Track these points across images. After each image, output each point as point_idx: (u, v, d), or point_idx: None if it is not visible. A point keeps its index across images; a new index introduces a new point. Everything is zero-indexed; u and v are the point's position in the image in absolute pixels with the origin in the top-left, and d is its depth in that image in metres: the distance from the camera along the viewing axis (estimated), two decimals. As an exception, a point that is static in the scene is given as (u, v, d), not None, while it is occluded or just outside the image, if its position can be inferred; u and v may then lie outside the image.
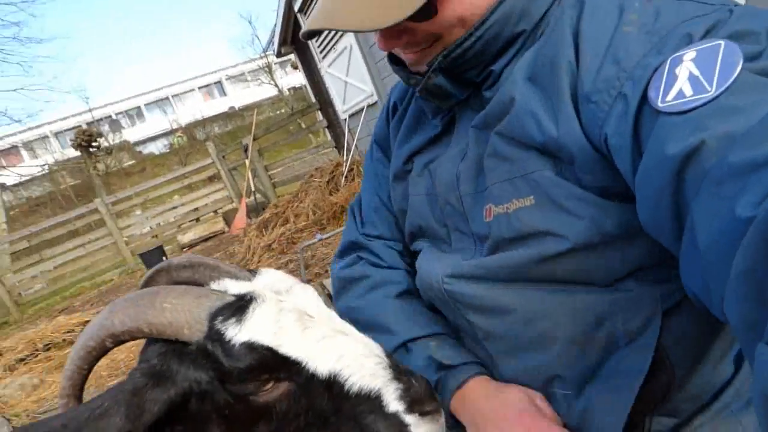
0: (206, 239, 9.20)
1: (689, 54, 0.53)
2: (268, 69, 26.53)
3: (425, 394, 0.64)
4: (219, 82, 34.02)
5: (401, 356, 0.86)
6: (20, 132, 27.01)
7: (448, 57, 0.72)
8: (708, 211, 0.45)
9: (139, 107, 32.71)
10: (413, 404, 0.63)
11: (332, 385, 0.62)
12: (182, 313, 0.60)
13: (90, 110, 29.62)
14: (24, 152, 29.06)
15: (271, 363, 0.60)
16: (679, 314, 0.69)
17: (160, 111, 32.76)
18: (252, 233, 6.24)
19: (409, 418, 0.63)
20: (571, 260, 0.67)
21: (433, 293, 0.84)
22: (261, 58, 26.99)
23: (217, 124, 27.79)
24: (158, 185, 9.79)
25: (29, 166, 23.09)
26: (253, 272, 0.70)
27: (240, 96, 32.13)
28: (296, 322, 0.63)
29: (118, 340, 0.60)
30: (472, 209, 0.77)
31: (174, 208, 10.18)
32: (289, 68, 26.38)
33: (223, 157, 9.72)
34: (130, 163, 26.05)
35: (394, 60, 0.83)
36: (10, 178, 19.47)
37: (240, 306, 0.62)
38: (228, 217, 9.14)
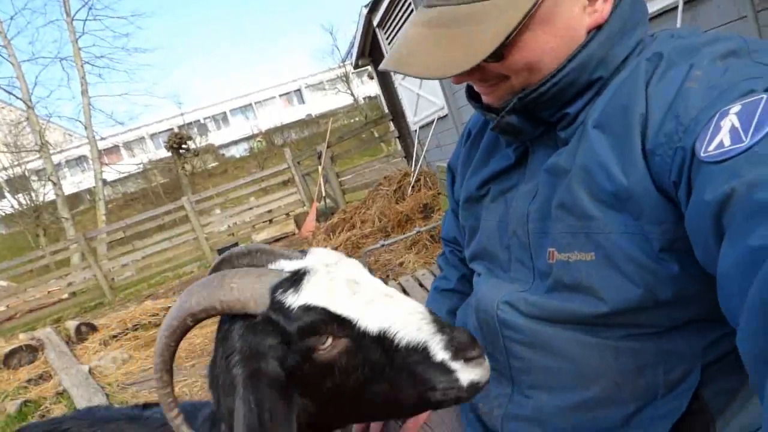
0: (277, 239, 9.64)
1: (735, 107, 0.56)
2: (346, 78, 27.30)
3: (468, 342, 0.68)
4: (298, 90, 35.38)
5: None
6: (122, 133, 29.80)
7: (524, 100, 0.74)
8: (729, 243, 0.49)
9: (224, 112, 34.74)
10: (458, 352, 0.68)
11: (383, 340, 0.68)
12: (247, 290, 0.68)
13: (182, 114, 32.07)
14: (123, 151, 32.02)
15: (326, 320, 0.67)
16: (721, 367, 0.71)
17: (243, 116, 34.65)
18: (320, 236, 6.50)
19: (455, 365, 0.68)
20: (622, 316, 0.70)
21: (485, 316, 0.87)
22: (339, 67, 27.85)
23: (294, 131, 28.94)
24: (237, 187, 10.35)
25: (127, 164, 25.38)
26: (304, 252, 0.78)
27: (317, 104, 33.22)
28: (345, 287, 0.69)
29: (197, 318, 0.68)
30: (538, 247, 0.79)
31: (250, 208, 10.71)
32: (365, 78, 27.01)
33: (298, 162, 10.12)
34: (214, 164, 27.79)
35: (472, 95, 0.86)
36: (110, 174, 21.56)
37: (295, 279, 0.69)
38: (298, 220, 9.52)
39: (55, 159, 19.34)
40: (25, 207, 19.76)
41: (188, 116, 32.85)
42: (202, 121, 33.82)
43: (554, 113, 0.77)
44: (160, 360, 0.70)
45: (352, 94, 28.98)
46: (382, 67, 0.74)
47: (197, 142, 26.67)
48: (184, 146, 21.55)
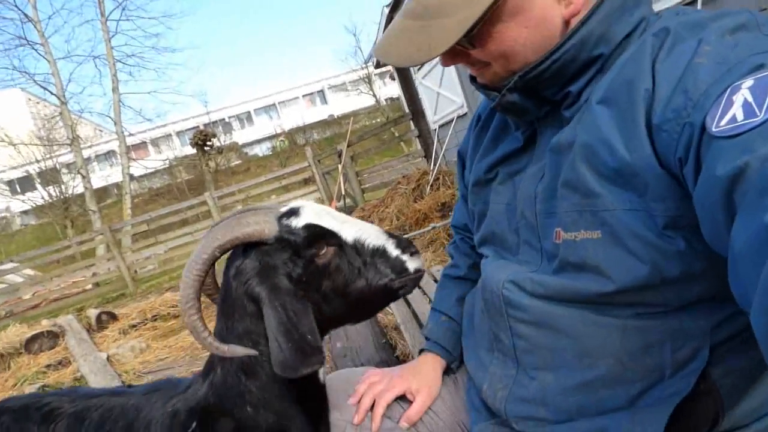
0: (297, 237, 9.68)
1: (747, 82, 0.55)
2: (368, 79, 27.38)
3: (408, 243, 0.95)
4: (321, 91, 35.63)
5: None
6: (149, 129, 30.47)
7: (524, 78, 0.75)
8: (743, 220, 0.48)
9: (249, 112, 35.23)
10: (404, 249, 0.93)
11: (357, 245, 0.91)
12: (260, 222, 0.86)
13: (207, 113, 32.63)
14: (151, 147, 32.75)
15: (321, 233, 0.88)
16: (730, 347, 0.70)
17: (267, 116, 35.08)
18: (338, 233, 6.50)
19: (404, 257, 0.93)
20: (628, 294, 0.70)
21: (490, 296, 0.88)
22: (362, 69, 27.96)
23: (317, 131, 29.12)
24: (258, 184, 10.45)
25: (154, 160, 25.93)
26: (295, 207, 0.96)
27: (340, 104, 33.43)
28: (329, 215, 0.92)
29: (223, 249, 0.83)
30: (545, 227, 0.79)
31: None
32: (387, 79, 27.05)
33: (319, 161, 10.18)
34: (237, 162, 28.17)
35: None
36: (137, 170, 22.07)
37: (294, 211, 0.90)
38: (318, 218, 9.54)
39: (85, 153, 19.89)
40: (54, 199, 20.36)
41: (214, 115, 33.42)
42: (227, 120, 34.32)
43: (557, 92, 0.77)
44: (191, 290, 0.80)
45: (374, 95, 29.03)
46: (372, 54, 0.81)
47: (221, 140, 27.10)
48: (208, 143, 21.90)
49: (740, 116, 0.53)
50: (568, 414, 0.77)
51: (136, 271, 10.01)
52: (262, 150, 32.44)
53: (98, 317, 5.33)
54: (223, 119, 34.24)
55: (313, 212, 0.92)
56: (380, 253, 0.92)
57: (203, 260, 0.80)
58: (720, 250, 0.57)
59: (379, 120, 25.18)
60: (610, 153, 0.67)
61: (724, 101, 0.56)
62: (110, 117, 17.58)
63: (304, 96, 35.74)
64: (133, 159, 20.45)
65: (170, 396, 0.93)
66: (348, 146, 8.64)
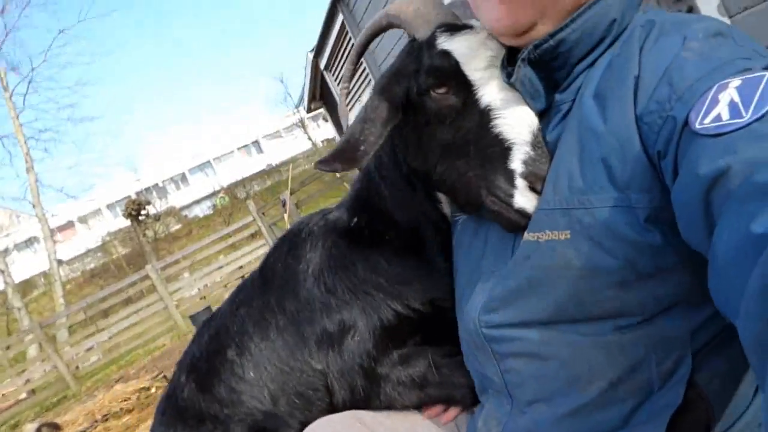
0: (252, 297, 9.22)
1: (735, 82, 0.55)
2: (302, 124, 27.52)
3: (545, 175, 0.71)
4: (256, 141, 35.58)
5: None
6: (75, 207, 28.78)
7: (539, 48, 0.72)
8: (728, 227, 0.47)
9: (183, 173, 34.45)
10: (530, 174, 0.71)
11: (483, 115, 0.74)
12: (422, 16, 0.81)
13: (138, 180, 31.38)
14: (78, 226, 30.84)
15: (451, 73, 0.77)
16: (712, 352, 0.71)
17: (203, 174, 34.37)
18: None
19: (519, 182, 0.71)
20: (605, 294, 0.69)
21: (469, 336, 0.85)
22: (294, 114, 28.08)
23: (257, 182, 28.78)
24: (203, 247, 10.07)
25: (83, 240, 24.36)
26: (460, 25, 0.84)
27: (277, 152, 33.45)
28: (488, 58, 0.75)
29: (389, 18, 0.85)
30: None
31: (220, 267, 10.37)
32: (321, 121, 27.24)
33: (263, 213, 9.95)
34: (177, 227, 27.10)
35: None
36: (65, 252, 20.57)
37: (458, 27, 0.79)
38: (272, 273, 9.18)
39: (2, 244, 18.32)
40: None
41: (145, 181, 32.44)
42: (160, 185, 33.39)
43: (568, 74, 0.75)
44: (355, 52, 0.91)
45: (310, 139, 29.14)
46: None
47: (157, 206, 26.05)
48: (143, 212, 20.89)
49: (725, 115, 0.53)
50: None
51: (77, 368, 9.17)
52: (202, 210, 31.50)
53: (38, 431, 4.68)
54: (156, 184, 33.26)
55: (476, 43, 0.76)
56: (502, 148, 0.72)
57: (374, 25, 0.87)
58: (696, 246, 0.58)
59: (318, 162, 25.13)
60: (597, 142, 0.67)
61: (709, 98, 0.56)
62: (28, 200, 16.34)
63: (238, 149, 35.52)
64: (59, 241, 19.05)
65: (327, 212, 1.15)
66: (291, 194, 8.48)
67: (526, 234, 0.73)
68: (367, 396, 1.02)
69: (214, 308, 0.80)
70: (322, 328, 1.03)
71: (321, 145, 28.77)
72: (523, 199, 0.71)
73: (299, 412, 1.07)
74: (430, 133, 0.80)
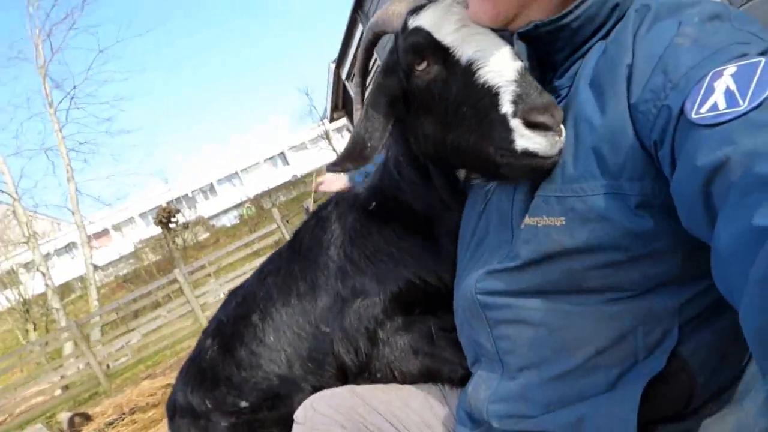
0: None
1: (730, 69, 0.54)
2: (326, 135, 27.88)
3: (540, 105, 0.64)
4: (282, 153, 36.02)
5: None
6: (110, 215, 29.78)
7: (539, 28, 0.71)
8: (730, 218, 0.47)
9: (211, 183, 35.10)
10: (522, 111, 0.65)
11: (467, 72, 0.71)
12: (395, 12, 0.85)
13: (169, 190, 32.28)
14: (113, 233, 31.89)
15: (425, 44, 0.77)
16: (699, 325, 0.71)
17: (230, 184, 35.00)
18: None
19: (515, 123, 0.65)
20: (597, 273, 0.70)
21: (465, 303, 0.86)
22: (319, 126, 28.49)
23: (282, 193, 29.14)
24: (228, 253, 10.26)
25: (118, 246, 25.13)
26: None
27: (302, 163, 33.71)
28: (456, 21, 0.75)
29: (373, 31, 0.91)
30: (518, 214, 0.78)
31: (244, 273, 10.56)
32: (345, 132, 27.56)
33: (287, 221, 10.11)
34: (205, 236, 27.69)
35: None
36: (101, 258, 21.32)
37: (423, 5, 0.80)
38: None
39: (44, 249, 19.14)
40: (14, 303, 19.32)
41: (176, 191, 33.13)
42: (190, 195, 34.05)
43: (568, 56, 0.74)
44: (358, 65, 0.98)
45: (334, 150, 29.43)
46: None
47: (186, 215, 26.68)
48: (173, 220, 21.49)
49: (722, 104, 0.52)
50: (548, 406, 0.77)
51: (108, 366, 9.44)
52: (229, 219, 32.07)
53: (70, 421, 5.02)
54: (186, 194, 33.94)
55: (440, 13, 0.75)
56: (490, 96, 0.67)
57: (365, 42, 0.94)
58: (698, 235, 0.57)
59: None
60: (590, 131, 0.67)
61: (704, 86, 0.55)
62: (68, 208, 17.10)
63: (265, 160, 35.96)
64: (95, 247, 19.78)
65: (356, 191, 1.20)
66: (314, 201, 8.61)
67: (527, 217, 0.73)
68: (368, 358, 1.06)
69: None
70: (336, 292, 1.09)
71: (345, 156, 28.91)
72: (522, 139, 0.66)
73: (312, 377, 1.11)
74: (430, 112, 0.79)
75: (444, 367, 1.02)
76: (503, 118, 0.67)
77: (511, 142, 0.67)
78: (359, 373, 1.08)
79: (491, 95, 0.68)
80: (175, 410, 1.26)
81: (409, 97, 0.83)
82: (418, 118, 0.83)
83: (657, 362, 0.70)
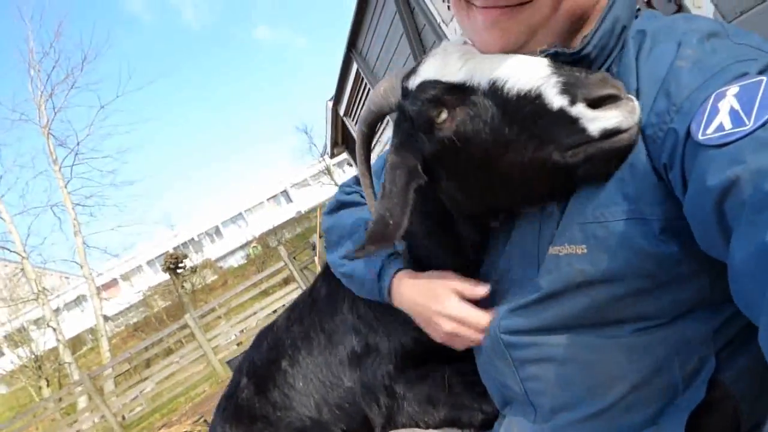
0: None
1: (732, 89, 0.55)
2: (328, 171, 28.18)
3: (595, 81, 0.58)
4: (285, 191, 36.35)
5: None
6: (118, 265, 29.88)
7: (558, 55, 0.67)
8: (743, 236, 0.48)
9: (216, 226, 35.31)
10: (579, 96, 0.58)
11: (494, 93, 0.64)
12: (388, 88, 0.79)
13: (175, 236, 32.46)
14: (121, 283, 31.93)
15: (439, 93, 0.69)
16: (736, 350, 0.69)
17: (236, 226, 35.21)
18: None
19: (578, 109, 0.58)
20: (622, 303, 0.68)
21: (490, 344, 0.83)
22: (319, 162, 28.84)
23: (287, 230, 29.24)
24: (237, 294, 10.25)
25: (126, 295, 25.08)
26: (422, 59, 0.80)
27: (305, 200, 33.94)
28: (459, 58, 0.70)
29: (367, 122, 0.85)
30: (544, 247, 0.75)
31: (254, 313, 10.54)
32: (346, 167, 27.90)
33: (294, 258, 10.14)
34: (214, 278, 27.69)
35: None
36: (111, 308, 21.28)
37: (418, 64, 0.75)
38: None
39: (54, 304, 19.16)
40: (25, 360, 19.25)
41: (182, 236, 33.30)
42: (196, 239, 34.21)
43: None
44: (360, 156, 0.90)
45: (336, 185, 29.66)
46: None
47: (194, 260, 26.74)
48: (180, 265, 21.55)
49: (728, 124, 0.53)
50: None
51: (123, 417, 9.34)
52: (236, 260, 32.12)
53: None
54: (192, 239, 34.10)
55: (439, 58, 0.70)
56: (532, 101, 0.60)
57: (360, 135, 0.87)
58: (716, 256, 0.57)
59: (345, 206, 25.40)
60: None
61: (709, 108, 0.55)
62: (76, 261, 17.21)
63: (268, 199, 36.23)
64: (105, 299, 19.79)
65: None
66: (320, 237, 8.67)
67: (550, 247, 0.71)
68: (390, 413, 1.08)
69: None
70: (351, 349, 1.13)
71: (347, 189, 29.10)
72: (596, 122, 0.59)
73: (341, 422, 1.16)
74: (466, 159, 0.70)
75: (463, 414, 1.03)
76: (561, 113, 0.60)
77: (583, 130, 0.60)
78: (386, 424, 1.10)
79: (533, 99, 0.61)
80: None
81: (439, 163, 0.75)
82: (451, 175, 0.76)
83: (698, 393, 0.67)
